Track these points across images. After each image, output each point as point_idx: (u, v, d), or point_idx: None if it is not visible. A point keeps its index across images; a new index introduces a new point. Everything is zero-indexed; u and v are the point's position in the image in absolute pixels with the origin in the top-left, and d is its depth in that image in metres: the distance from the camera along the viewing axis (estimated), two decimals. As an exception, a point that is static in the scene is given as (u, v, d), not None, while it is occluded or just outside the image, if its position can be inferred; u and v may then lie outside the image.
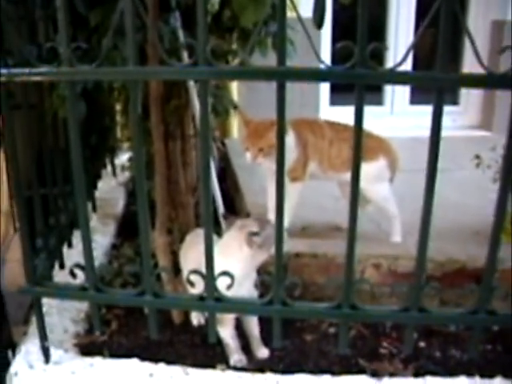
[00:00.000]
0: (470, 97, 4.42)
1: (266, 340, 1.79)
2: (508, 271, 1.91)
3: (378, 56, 1.20)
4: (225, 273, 1.45)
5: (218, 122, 3.84)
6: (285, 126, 1.26)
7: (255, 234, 1.64)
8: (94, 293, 1.51)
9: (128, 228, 2.71)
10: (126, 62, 1.27)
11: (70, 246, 2.22)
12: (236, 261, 1.65)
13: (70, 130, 1.35)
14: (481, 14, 4.19)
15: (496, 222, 1.32)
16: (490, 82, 1.22)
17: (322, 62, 1.21)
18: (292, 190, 2.18)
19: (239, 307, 1.50)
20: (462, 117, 4.39)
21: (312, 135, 2.16)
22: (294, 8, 1.18)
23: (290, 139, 2.10)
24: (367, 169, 2.00)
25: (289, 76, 1.22)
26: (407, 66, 3.17)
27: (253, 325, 1.82)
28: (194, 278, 1.49)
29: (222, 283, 1.47)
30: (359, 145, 1.28)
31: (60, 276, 1.93)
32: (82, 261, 1.52)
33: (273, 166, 2.13)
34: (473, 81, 1.28)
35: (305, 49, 1.26)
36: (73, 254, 2.15)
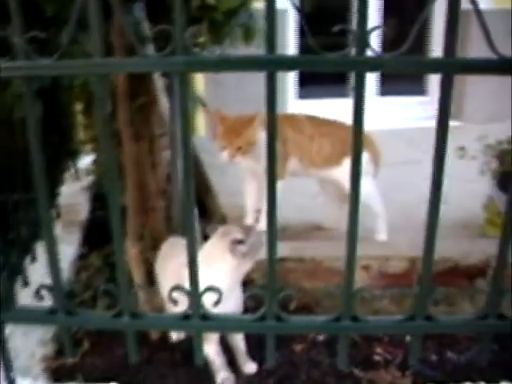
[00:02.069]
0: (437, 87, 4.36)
1: (253, 353, 1.67)
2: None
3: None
4: (211, 288, 1.29)
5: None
6: (276, 120, 1.11)
7: (240, 241, 1.50)
8: (65, 316, 1.32)
9: (94, 236, 2.53)
10: (89, 57, 1.10)
11: (33, 259, 2.02)
12: (219, 272, 1.50)
13: (30, 132, 1.17)
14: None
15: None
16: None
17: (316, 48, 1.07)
18: (272, 189, 2.05)
19: (229, 325, 1.34)
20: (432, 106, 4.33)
21: (291, 130, 2.03)
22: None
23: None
24: (349, 163, 1.88)
25: (281, 65, 1.07)
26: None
27: (239, 339, 1.68)
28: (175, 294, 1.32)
29: (207, 299, 1.31)
30: (359, 139, 1.16)
31: (24, 295, 1.73)
32: (47, 277, 1.33)
33: (252, 164, 2.01)
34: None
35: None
36: (37, 269, 1.96)
